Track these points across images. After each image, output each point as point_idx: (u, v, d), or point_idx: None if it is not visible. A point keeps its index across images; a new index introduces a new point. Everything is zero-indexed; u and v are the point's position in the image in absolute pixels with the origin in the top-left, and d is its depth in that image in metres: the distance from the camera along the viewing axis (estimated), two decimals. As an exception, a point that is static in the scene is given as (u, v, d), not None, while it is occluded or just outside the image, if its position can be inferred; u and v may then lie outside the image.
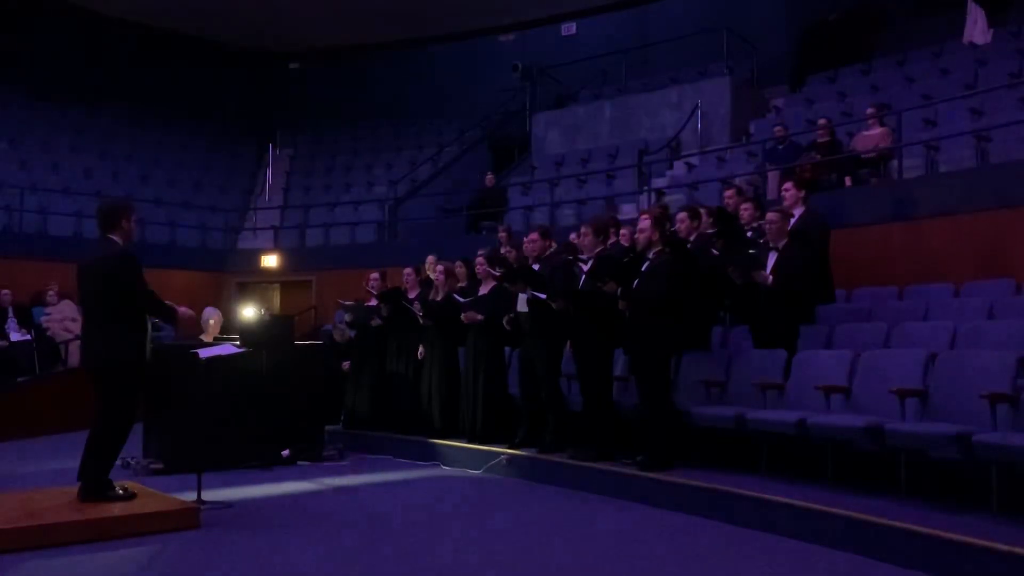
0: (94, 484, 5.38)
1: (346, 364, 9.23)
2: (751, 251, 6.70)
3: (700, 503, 5.62)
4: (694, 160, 12.63)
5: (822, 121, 10.34)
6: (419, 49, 19.79)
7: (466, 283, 8.33)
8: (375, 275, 9.09)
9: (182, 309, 5.73)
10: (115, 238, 5.54)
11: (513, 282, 7.23)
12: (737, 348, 6.89)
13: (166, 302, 5.66)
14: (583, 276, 6.75)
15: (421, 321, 8.29)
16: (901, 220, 8.48)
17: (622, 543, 5.11)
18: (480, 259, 8.12)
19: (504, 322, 7.62)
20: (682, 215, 7.35)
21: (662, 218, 6.58)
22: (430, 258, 9.29)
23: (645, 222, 6.42)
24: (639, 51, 16.52)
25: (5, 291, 11.39)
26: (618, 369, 6.96)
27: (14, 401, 10.38)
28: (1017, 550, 3.94)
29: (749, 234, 7.20)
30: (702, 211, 7.49)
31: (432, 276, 8.69)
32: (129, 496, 5.45)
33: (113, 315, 5.42)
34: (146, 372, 5.63)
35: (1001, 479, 4.59)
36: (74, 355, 11.07)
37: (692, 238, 7.16)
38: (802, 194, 7.36)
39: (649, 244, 6.38)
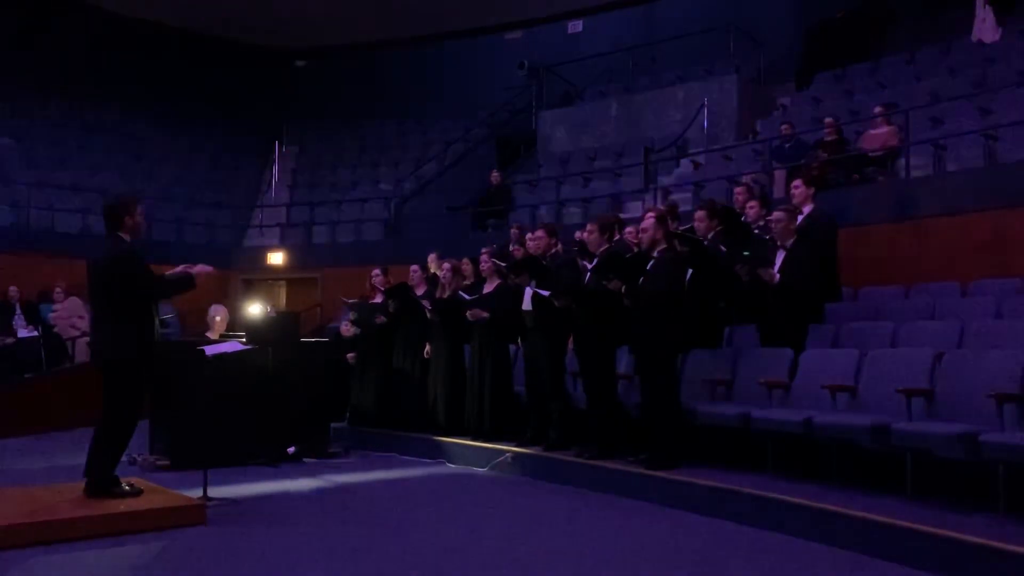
0: (100, 480, 5.40)
1: (351, 355, 9.23)
2: (746, 253, 6.66)
3: (705, 502, 5.61)
4: (700, 158, 12.60)
5: (829, 119, 10.29)
6: (425, 47, 19.80)
7: (472, 281, 8.33)
8: (377, 271, 9.11)
9: (196, 268, 5.67)
10: (123, 235, 5.55)
11: (518, 273, 7.22)
12: (743, 346, 6.88)
13: (170, 277, 5.64)
14: (588, 273, 6.74)
15: (428, 315, 8.29)
16: (908, 219, 8.45)
17: (626, 541, 5.11)
18: (485, 256, 8.12)
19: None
20: (700, 213, 7.30)
21: (665, 217, 6.57)
22: (432, 255, 9.29)
23: (649, 221, 6.40)
24: (645, 49, 16.48)
25: (12, 288, 11.45)
26: (622, 367, 6.95)
27: (21, 397, 10.43)
28: (1024, 550, 3.93)
29: (756, 232, 7.18)
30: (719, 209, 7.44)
31: (438, 273, 8.69)
32: (135, 492, 5.47)
33: (119, 313, 5.44)
34: (151, 369, 5.65)
35: (1008, 479, 4.57)
36: (81, 352, 11.12)
37: (710, 236, 7.12)
38: (811, 191, 7.33)
39: (653, 243, 6.37)
